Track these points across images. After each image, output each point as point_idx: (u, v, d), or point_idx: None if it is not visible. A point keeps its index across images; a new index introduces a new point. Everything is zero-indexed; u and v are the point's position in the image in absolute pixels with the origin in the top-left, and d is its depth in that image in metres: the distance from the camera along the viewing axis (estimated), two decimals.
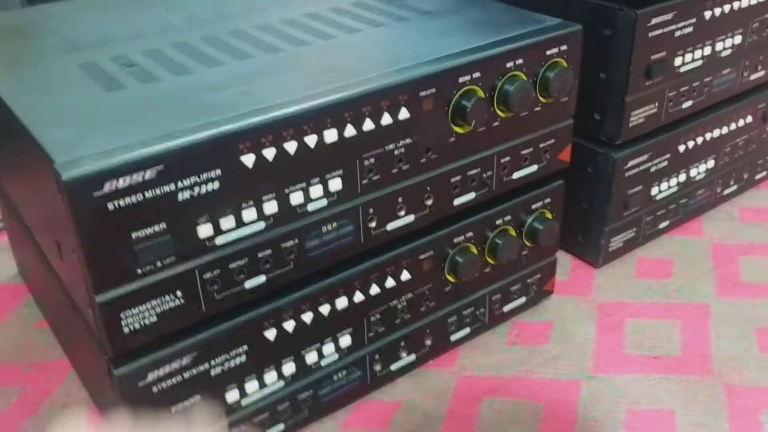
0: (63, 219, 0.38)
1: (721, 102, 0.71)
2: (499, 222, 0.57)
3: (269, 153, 0.42)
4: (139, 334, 0.41)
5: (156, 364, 0.43)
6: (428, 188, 0.51)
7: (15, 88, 0.47)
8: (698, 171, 0.73)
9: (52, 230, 0.44)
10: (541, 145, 0.56)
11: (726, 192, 0.78)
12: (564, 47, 0.53)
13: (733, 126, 0.74)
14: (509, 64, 0.51)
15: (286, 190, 0.44)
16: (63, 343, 0.62)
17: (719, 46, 0.67)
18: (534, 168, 0.57)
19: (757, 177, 0.81)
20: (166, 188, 0.39)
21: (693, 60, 0.65)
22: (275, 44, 0.52)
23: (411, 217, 0.51)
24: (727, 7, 0.65)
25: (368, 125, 0.45)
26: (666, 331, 0.63)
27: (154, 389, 0.43)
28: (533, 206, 0.59)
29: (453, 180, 0.52)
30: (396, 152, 0.48)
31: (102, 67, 0.50)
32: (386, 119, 0.46)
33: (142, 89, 0.46)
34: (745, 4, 0.66)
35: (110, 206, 0.37)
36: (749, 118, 0.75)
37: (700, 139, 0.71)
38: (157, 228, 0.39)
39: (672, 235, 0.76)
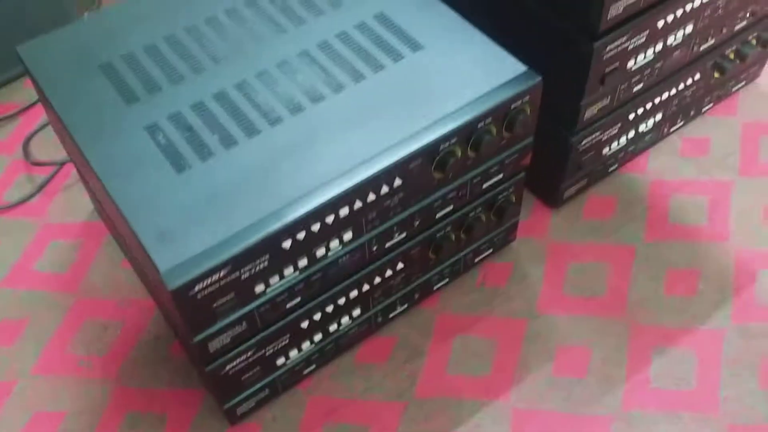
0: None
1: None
2: (471, 215, 0.75)
3: (301, 235, 0.59)
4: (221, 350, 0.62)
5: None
6: (416, 215, 0.68)
7: (100, 157, 0.62)
8: (646, 126, 0.88)
9: None
10: (506, 161, 0.72)
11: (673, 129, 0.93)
12: (526, 98, 0.66)
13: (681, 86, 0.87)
14: (480, 125, 0.65)
15: (312, 250, 0.61)
16: (145, 283, 0.82)
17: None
18: (500, 176, 0.73)
19: (704, 109, 0.95)
20: (233, 276, 0.57)
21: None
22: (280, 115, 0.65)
23: (403, 234, 0.69)
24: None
25: (371, 197, 0.62)
26: (597, 273, 0.83)
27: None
28: (499, 196, 0.76)
29: (435, 205, 0.69)
30: (392, 204, 0.64)
31: (165, 132, 0.64)
32: (384, 189, 0.62)
33: (203, 170, 0.61)
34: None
35: (199, 296, 0.56)
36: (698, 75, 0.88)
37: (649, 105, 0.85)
38: (228, 297, 0.58)
39: (621, 171, 0.92)
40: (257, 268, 0.58)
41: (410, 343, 0.79)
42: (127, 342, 0.80)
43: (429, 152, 0.63)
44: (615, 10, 0.67)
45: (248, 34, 0.72)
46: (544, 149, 0.81)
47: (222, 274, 0.56)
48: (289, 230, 0.58)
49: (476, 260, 0.82)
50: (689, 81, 0.86)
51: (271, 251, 0.58)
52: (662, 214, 0.88)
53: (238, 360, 0.65)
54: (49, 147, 0.97)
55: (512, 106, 0.66)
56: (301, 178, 0.60)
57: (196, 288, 0.55)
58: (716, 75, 0.89)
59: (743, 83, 0.97)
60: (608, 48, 0.71)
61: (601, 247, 0.85)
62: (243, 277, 0.58)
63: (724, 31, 0.84)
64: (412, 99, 0.65)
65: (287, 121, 0.64)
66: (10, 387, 0.77)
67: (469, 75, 0.67)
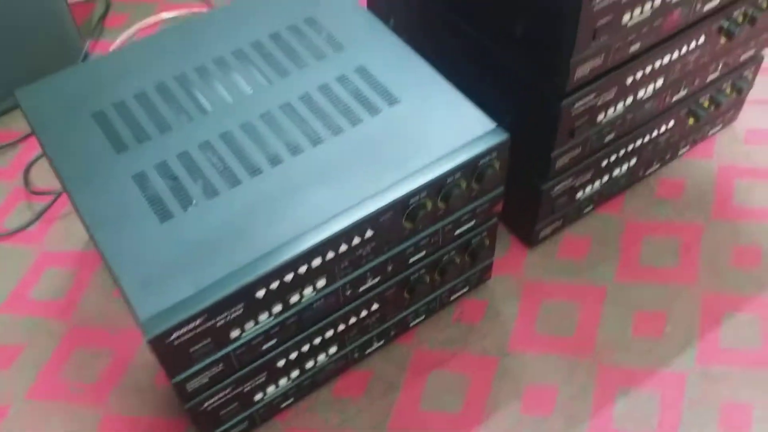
0: None
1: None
2: (445, 258, 0.78)
3: (274, 285, 0.63)
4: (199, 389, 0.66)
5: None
6: (389, 261, 0.71)
7: (89, 205, 0.66)
8: (620, 170, 0.91)
9: None
10: (477, 210, 0.75)
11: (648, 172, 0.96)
12: (494, 154, 0.70)
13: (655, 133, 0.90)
14: (449, 179, 0.68)
15: (286, 297, 0.65)
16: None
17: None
18: (472, 222, 0.76)
19: (680, 152, 0.99)
20: (209, 324, 0.61)
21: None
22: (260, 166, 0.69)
23: (377, 279, 0.72)
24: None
25: (343, 248, 0.65)
26: (568, 313, 0.86)
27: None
28: (473, 240, 0.79)
29: (407, 251, 0.72)
30: (364, 253, 0.68)
31: (151, 181, 0.68)
32: (356, 240, 0.66)
33: (185, 220, 0.65)
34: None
35: (175, 342, 0.60)
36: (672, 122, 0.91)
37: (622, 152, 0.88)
38: (204, 342, 0.62)
39: (597, 212, 0.95)
40: (232, 315, 0.62)
41: (386, 377, 0.82)
42: (116, 370, 0.84)
43: (399, 205, 0.67)
44: (581, 72, 0.71)
45: (235, 84, 0.76)
46: (519, 193, 0.85)
47: (198, 322, 0.59)
48: (263, 281, 0.61)
49: (452, 298, 0.85)
50: (663, 128, 0.90)
51: (245, 300, 0.62)
52: (634, 255, 0.91)
53: (216, 397, 0.68)
54: (48, 175, 1.01)
55: (480, 162, 0.69)
56: (276, 230, 0.64)
57: (173, 336, 0.59)
58: (691, 121, 0.93)
59: (720, 127, 1.00)
60: (576, 105, 0.74)
61: (573, 286, 0.88)
62: (218, 324, 0.61)
63: (697, 82, 0.87)
64: (385, 153, 0.69)
65: (267, 173, 0.68)
66: (5, 411, 0.81)
67: (441, 130, 0.70)
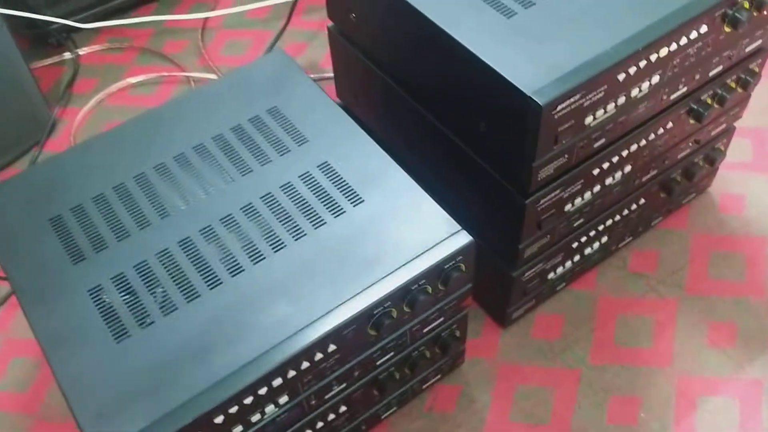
0: None
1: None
2: (415, 354, 0.77)
3: (233, 409, 0.61)
4: None
5: None
6: (355, 368, 0.70)
7: (42, 322, 0.65)
8: (592, 249, 0.90)
9: None
10: (445, 308, 0.74)
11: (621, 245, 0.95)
12: (459, 257, 0.69)
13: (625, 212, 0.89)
14: (414, 287, 0.67)
15: (247, 417, 0.63)
16: None
17: None
18: (441, 319, 0.75)
19: (653, 223, 0.98)
20: None
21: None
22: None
23: (343, 385, 0.71)
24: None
25: (305, 365, 0.64)
26: (543, 399, 0.85)
27: None
28: (442, 334, 0.78)
29: (374, 356, 0.71)
30: (327, 365, 0.66)
31: (107, 295, 0.66)
32: (318, 356, 0.64)
33: (142, 339, 0.63)
34: None
35: None
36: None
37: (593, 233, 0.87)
38: None
39: (570, 288, 0.94)
40: None
41: None
42: None
43: (364, 317, 0.65)
44: (545, 173, 0.70)
45: (197, 183, 0.74)
46: (491, 278, 0.83)
47: None
48: (221, 408, 0.60)
49: (424, 387, 0.84)
50: (634, 206, 0.89)
51: (202, 429, 0.60)
52: (608, 335, 0.90)
53: None
54: None
55: (446, 266, 0.68)
56: (234, 350, 0.62)
57: None
58: (663, 195, 0.92)
59: (693, 195, 1.00)
60: (541, 202, 0.73)
61: (547, 370, 0.87)
62: None
63: (667, 162, 0.86)
64: (348, 260, 0.68)
65: (226, 283, 0.67)
66: None
67: (405, 234, 0.69)
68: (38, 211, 0.73)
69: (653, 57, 0.69)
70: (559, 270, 0.87)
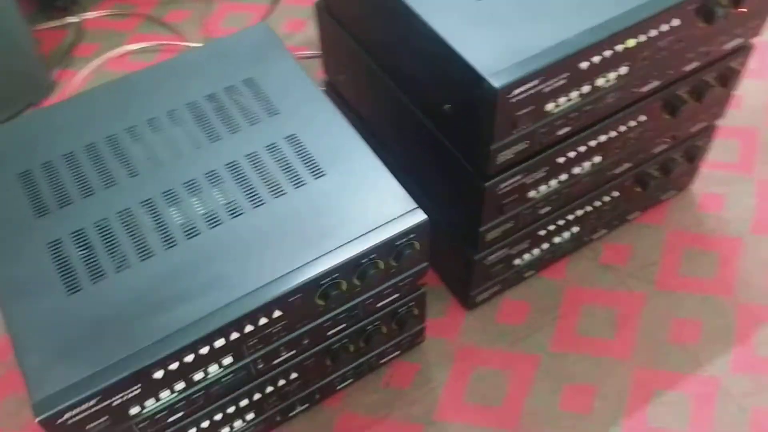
0: None
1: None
2: (370, 328, 0.78)
3: (174, 366, 0.63)
4: None
5: None
6: (304, 336, 0.71)
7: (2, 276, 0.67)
8: (562, 238, 0.90)
9: None
10: (400, 284, 0.75)
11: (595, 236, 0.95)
12: (412, 235, 0.70)
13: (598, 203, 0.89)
14: (364, 261, 0.68)
15: (189, 375, 0.65)
16: None
17: None
18: (397, 295, 0.76)
19: (629, 217, 0.97)
20: (104, 404, 0.61)
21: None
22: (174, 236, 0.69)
23: (293, 352, 0.72)
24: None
25: (249, 328, 0.65)
26: (499, 382, 0.86)
27: None
28: (399, 310, 0.79)
29: (324, 325, 0.72)
30: (273, 330, 0.68)
31: (65, 249, 0.68)
32: (263, 320, 0.66)
33: (92, 293, 0.65)
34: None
35: (69, 422, 0.60)
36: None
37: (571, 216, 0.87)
38: (101, 420, 0.62)
39: (540, 275, 0.95)
40: (129, 395, 0.62)
41: None
42: None
43: (311, 286, 0.67)
44: (504, 157, 0.70)
45: (165, 148, 0.76)
46: (455, 259, 0.84)
47: (92, 403, 0.60)
48: (160, 363, 0.62)
49: (382, 361, 0.85)
50: (606, 198, 0.89)
51: (142, 381, 0.62)
52: (571, 324, 0.90)
53: None
54: None
55: (398, 243, 0.69)
56: (180, 309, 0.64)
57: (65, 416, 0.59)
58: (638, 189, 0.92)
59: (673, 192, 0.99)
60: (501, 186, 0.73)
61: (507, 354, 0.88)
62: (114, 404, 0.62)
63: (641, 155, 0.86)
64: (303, 230, 0.69)
65: (182, 245, 0.68)
66: None
67: (362, 208, 0.70)
68: (7, 166, 0.75)
69: (619, 47, 0.69)
70: (527, 257, 0.88)
